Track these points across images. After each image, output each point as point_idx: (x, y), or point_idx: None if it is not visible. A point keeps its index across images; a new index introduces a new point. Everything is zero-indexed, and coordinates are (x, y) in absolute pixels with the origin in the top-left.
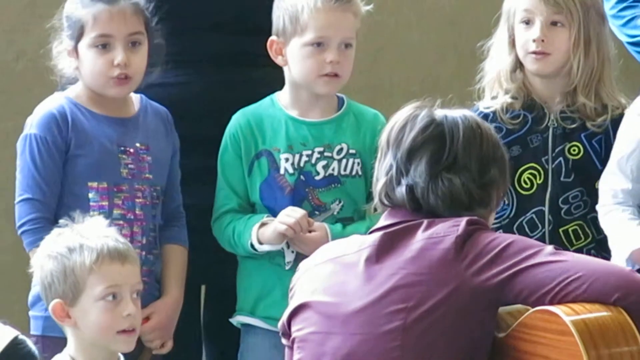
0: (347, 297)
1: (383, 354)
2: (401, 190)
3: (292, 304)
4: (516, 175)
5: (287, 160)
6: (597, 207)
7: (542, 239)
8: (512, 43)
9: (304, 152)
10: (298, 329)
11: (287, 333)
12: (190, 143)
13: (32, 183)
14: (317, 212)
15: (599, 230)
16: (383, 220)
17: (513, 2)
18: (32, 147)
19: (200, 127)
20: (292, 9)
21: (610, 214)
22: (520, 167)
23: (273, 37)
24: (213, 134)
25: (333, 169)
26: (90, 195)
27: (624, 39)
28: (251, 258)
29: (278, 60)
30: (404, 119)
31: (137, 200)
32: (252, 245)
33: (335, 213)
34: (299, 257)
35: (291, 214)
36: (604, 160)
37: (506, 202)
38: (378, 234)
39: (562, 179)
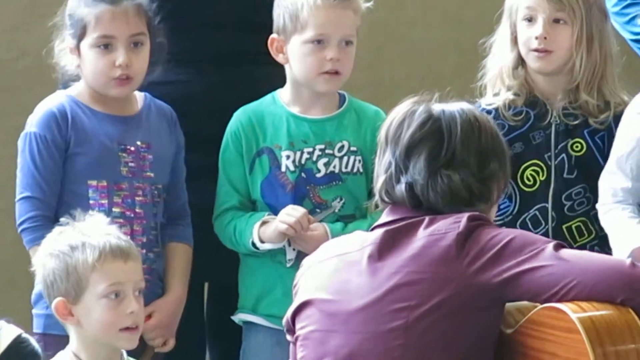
0: (349, 295)
1: (385, 352)
2: (401, 188)
3: (296, 301)
4: (519, 172)
5: (288, 157)
6: (597, 206)
7: (545, 236)
8: (515, 40)
9: (305, 150)
10: (301, 327)
11: (291, 329)
12: (191, 141)
13: (32, 181)
14: (318, 210)
15: (602, 227)
16: (385, 217)
17: None
18: (32, 145)
19: (201, 125)
20: (292, 6)
21: (610, 212)
22: (523, 163)
23: (274, 35)
24: (214, 132)
25: (334, 167)
26: (90, 193)
27: (627, 36)
28: (253, 256)
29: (279, 59)
30: (401, 115)
31: (137, 198)
32: (253, 244)
33: (336, 211)
34: (300, 255)
35: (292, 213)
36: (607, 157)
37: (509, 198)
38: (380, 231)
39: (565, 175)
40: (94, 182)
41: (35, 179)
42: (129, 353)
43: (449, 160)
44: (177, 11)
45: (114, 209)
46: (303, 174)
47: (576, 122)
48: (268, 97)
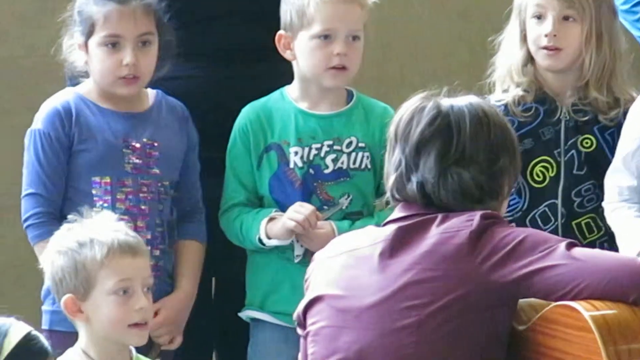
0: (360, 291)
1: (397, 349)
2: (412, 187)
3: (307, 296)
4: (528, 168)
5: (296, 153)
6: (603, 204)
7: (555, 232)
8: (524, 38)
9: (314, 145)
10: (312, 322)
11: (302, 324)
12: (199, 136)
13: (36, 178)
14: (325, 207)
15: None
16: (397, 212)
17: None
18: (36, 142)
19: (208, 120)
20: (299, 2)
21: (617, 211)
22: (532, 160)
23: (281, 32)
24: (222, 127)
25: (342, 163)
26: (94, 189)
27: (636, 33)
28: (260, 252)
29: (286, 55)
30: (410, 112)
31: (142, 195)
32: (260, 240)
33: (344, 207)
34: (308, 251)
35: (300, 210)
36: None
37: (519, 195)
38: (392, 228)
39: (574, 171)
40: (97, 179)
41: (39, 176)
42: (137, 350)
43: (458, 157)
44: (186, 8)
45: (117, 206)
46: (311, 170)
47: (586, 118)
48: (276, 93)
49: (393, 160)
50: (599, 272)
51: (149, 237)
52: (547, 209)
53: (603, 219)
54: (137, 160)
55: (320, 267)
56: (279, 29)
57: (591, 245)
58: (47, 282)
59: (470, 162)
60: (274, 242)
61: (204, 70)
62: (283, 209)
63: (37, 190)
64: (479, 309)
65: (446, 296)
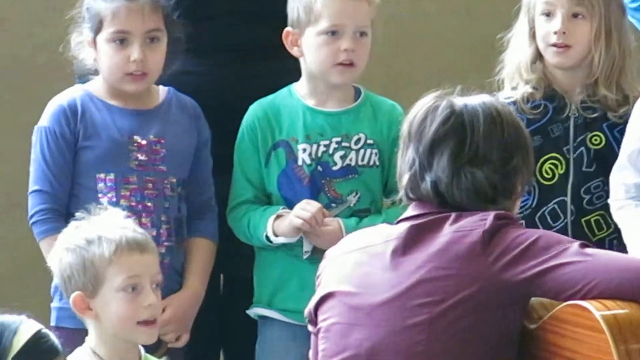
0: (372, 288)
1: (408, 347)
2: (426, 187)
3: (319, 293)
4: (537, 165)
5: (304, 150)
6: (609, 201)
7: (564, 229)
8: (533, 35)
9: (322, 142)
10: (323, 319)
11: (313, 321)
12: None
13: (42, 175)
14: (333, 205)
15: None
16: (411, 210)
17: None
18: (42, 139)
19: (216, 117)
20: None
21: (624, 209)
22: (541, 157)
23: (288, 29)
24: (229, 125)
25: (350, 159)
26: (99, 186)
27: None
28: (268, 249)
29: (294, 52)
30: (424, 111)
31: (147, 191)
32: (267, 237)
33: (351, 205)
34: (317, 247)
35: (307, 208)
36: None
37: (528, 192)
38: (405, 226)
39: (583, 168)
40: (102, 176)
41: (44, 173)
42: (144, 348)
43: (472, 156)
44: (193, 6)
45: (121, 202)
46: (319, 167)
47: (595, 115)
48: (284, 90)
49: (407, 159)
50: (610, 271)
51: (153, 234)
52: (556, 206)
53: (612, 216)
54: (143, 157)
55: (332, 264)
56: (286, 26)
57: (601, 242)
58: (56, 280)
59: (483, 161)
60: (281, 240)
61: (211, 67)
62: (291, 206)
63: (43, 187)
64: (491, 307)
65: (458, 294)
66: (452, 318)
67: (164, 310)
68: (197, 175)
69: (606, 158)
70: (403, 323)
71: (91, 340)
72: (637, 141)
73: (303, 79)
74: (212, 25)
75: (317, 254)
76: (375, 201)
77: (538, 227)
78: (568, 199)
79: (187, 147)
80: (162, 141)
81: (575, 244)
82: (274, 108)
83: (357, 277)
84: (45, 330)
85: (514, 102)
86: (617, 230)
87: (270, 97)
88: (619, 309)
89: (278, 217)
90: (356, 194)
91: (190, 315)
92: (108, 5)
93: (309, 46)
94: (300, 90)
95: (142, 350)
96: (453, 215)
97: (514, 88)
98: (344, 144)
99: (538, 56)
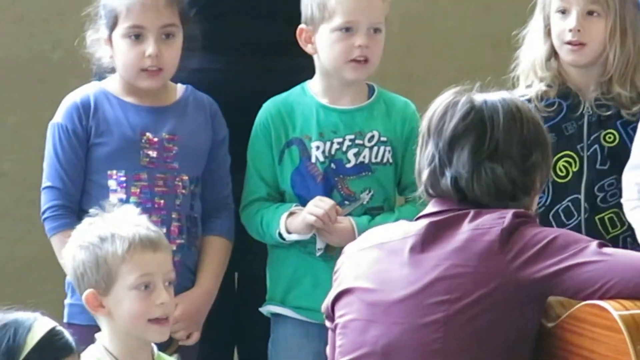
0: (390, 285)
1: (424, 345)
2: (446, 182)
3: (337, 289)
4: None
5: (318, 148)
6: (622, 201)
7: (578, 227)
8: (548, 32)
9: (335, 140)
10: (341, 315)
11: (330, 316)
12: None
13: (54, 171)
14: (346, 202)
15: None
16: (431, 207)
17: None
18: (55, 136)
19: (229, 115)
20: None
21: (637, 209)
22: (555, 155)
23: (302, 26)
24: (242, 122)
25: (364, 157)
26: (109, 183)
27: None
28: (281, 247)
29: (307, 49)
30: (444, 107)
31: (157, 189)
32: (280, 235)
33: (364, 203)
34: (330, 245)
35: (320, 205)
36: None
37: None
38: (424, 223)
39: (597, 166)
40: (113, 172)
41: (56, 169)
42: (157, 346)
43: (492, 152)
44: (209, 3)
45: (131, 199)
46: (332, 165)
47: (609, 113)
48: (297, 88)
49: (426, 155)
50: (628, 271)
51: (164, 231)
52: (570, 204)
53: None
54: (154, 154)
55: (350, 260)
56: (299, 23)
57: (614, 240)
58: (69, 277)
59: (503, 157)
60: (293, 237)
61: (225, 64)
62: (305, 204)
63: (55, 184)
64: (508, 305)
65: (475, 292)
66: (470, 316)
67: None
68: (213, 174)
69: (620, 156)
70: (420, 321)
71: (104, 338)
72: None
73: (317, 76)
74: (226, 23)
75: (330, 252)
76: (388, 199)
77: (552, 225)
78: (582, 196)
79: (201, 145)
80: (176, 138)
81: (594, 244)
82: (287, 106)
83: (375, 274)
84: (59, 327)
85: (529, 100)
86: (631, 228)
87: (284, 94)
88: (637, 309)
89: (291, 214)
90: (369, 191)
91: (201, 313)
92: (123, 1)
93: (322, 43)
94: (313, 88)
95: (155, 348)
96: (472, 212)
97: (528, 86)
98: (357, 141)
99: (553, 53)
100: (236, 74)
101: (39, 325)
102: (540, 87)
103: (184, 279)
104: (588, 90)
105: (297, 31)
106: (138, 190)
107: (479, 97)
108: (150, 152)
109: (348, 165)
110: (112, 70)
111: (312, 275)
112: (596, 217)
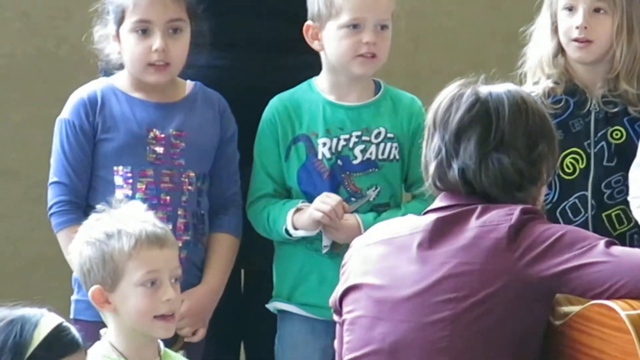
0: (397, 282)
1: (431, 343)
2: (454, 174)
3: (345, 283)
4: (558, 160)
5: (324, 144)
6: (629, 198)
7: (585, 224)
8: (555, 29)
9: (342, 136)
10: (348, 311)
11: (338, 310)
12: None
13: (60, 167)
14: (353, 199)
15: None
16: (438, 202)
17: None
18: (62, 131)
19: (235, 111)
20: None
21: None
22: (562, 152)
23: (309, 22)
24: (249, 119)
25: (371, 153)
26: (115, 179)
27: None
28: (288, 244)
29: (314, 45)
30: (449, 99)
31: (163, 185)
32: (286, 231)
33: (371, 199)
34: (336, 242)
35: (326, 201)
36: None
37: (549, 187)
38: (432, 218)
39: (604, 163)
40: (119, 168)
41: (63, 165)
42: (164, 342)
43: (498, 143)
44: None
45: (137, 195)
46: (339, 161)
47: (615, 109)
48: (304, 84)
49: (432, 148)
50: (636, 271)
51: (170, 227)
52: (577, 201)
53: None
54: (160, 150)
55: (358, 254)
56: (306, 20)
57: (621, 236)
58: (75, 273)
59: (509, 147)
60: (300, 233)
61: (231, 61)
62: (311, 200)
63: (61, 179)
64: (516, 303)
65: (483, 290)
66: (476, 314)
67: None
68: (221, 170)
69: (627, 152)
70: (426, 319)
71: (110, 334)
72: None
73: (323, 73)
74: (233, 20)
75: (336, 249)
76: (394, 195)
77: (559, 222)
78: (589, 193)
79: (209, 141)
80: (183, 135)
81: (601, 243)
82: (294, 102)
83: (382, 270)
84: (66, 323)
85: (536, 97)
86: (638, 225)
87: (290, 91)
88: None
89: (298, 210)
90: (376, 188)
91: (207, 310)
92: None
93: (330, 40)
94: (320, 85)
95: (162, 344)
96: (479, 208)
97: (535, 83)
98: (364, 137)
99: (560, 50)
100: (243, 70)
101: (45, 321)
102: (548, 84)
103: (191, 276)
104: (595, 87)
105: (304, 28)
106: (144, 186)
107: (484, 89)
108: (156, 148)
109: (355, 162)
110: (120, 67)
111: (318, 272)
112: (603, 214)
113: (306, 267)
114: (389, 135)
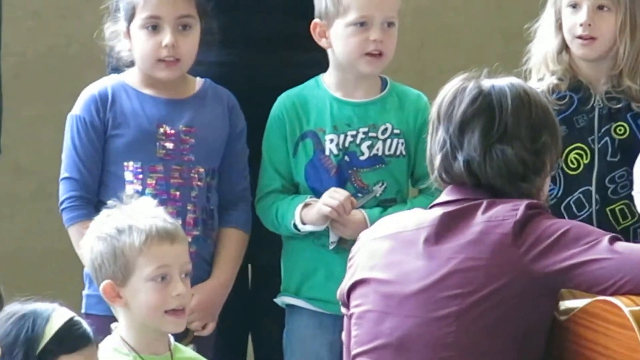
0: (404, 277)
1: (437, 338)
2: (459, 166)
3: (353, 277)
4: (563, 155)
5: (332, 141)
6: (634, 193)
7: (589, 219)
8: (559, 26)
9: (349, 133)
10: (356, 305)
11: (345, 303)
12: None
13: (71, 163)
14: (360, 195)
15: None
16: (444, 195)
17: None
18: (73, 127)
19: (245, 108)
20: None
21: None
22: (566, 147)
23: (316, 20)
24: (257, 115)
25: (377, 149)
26: (125, 174)
27: None
28: (296, 238)
29: (322, 43)
30: (452, 92)
31: (173, 180)
32: (295, 226)
33: (378, 195)
34: (343, 238)
35: (334, 196)
36: None
37: (553, 182)
38: (438, 213)
39: (608, 158)
40: (129, 164)
41: (74, 161)
42: (174, 336)
43: (501, 134)
44: None
45: (147, 191)
46: (346, 157)
47: (619, 105)
48: (311, 81)
49: (437, 141)
50: None
51: (179, 222)
52: (581, 196)
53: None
54: (170, 146)
55: (365, 248)
56: (313, 17)
57: (625, 231)
58: (87, 268)
59: (513, 138)
60: (308, 228)
61: (239, 58)
62: (318, 196)
63: (72, 175)
64: (520, 299)
65: (488, 286)
66: (482, 310)
67: None
68: (230, 166)
69: (630, 148)
70: (432, 314)
71: (121, 328)
72: None
73: (330, 70)
74: (240, 16)
75: (343, 245)
76: (401, 191)
77: (563, 217)
78: (593, 188)
79: (218, 137)
80: (193, 131)
81: (605, 240)
82: (301, 99)
83: (389, 265)
84: (77, 318)
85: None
86: None
87: (298, 88)
88: None
89: (306, 205)
90: (382, 184)
91: (217, 304)
92: None
93: (337, 37)
94: (327, 81)
95: (172, 339)
96: (485, 202)
97: (540, 79)
98: (371, 134)
99: (564, 47)
100: (250, 67)
101: (57, 315)
102: (552, 80)
103: (200, 271)
104: (599, 84)
105: (311, 25)
106: (154, 181)
107: (487, 83)
108: (166, 144)
109: (362, 158)
110: (131, 65)
111: (325, 267)
112: (607, 209)
113: (314, 262)
114: (396, 131)
